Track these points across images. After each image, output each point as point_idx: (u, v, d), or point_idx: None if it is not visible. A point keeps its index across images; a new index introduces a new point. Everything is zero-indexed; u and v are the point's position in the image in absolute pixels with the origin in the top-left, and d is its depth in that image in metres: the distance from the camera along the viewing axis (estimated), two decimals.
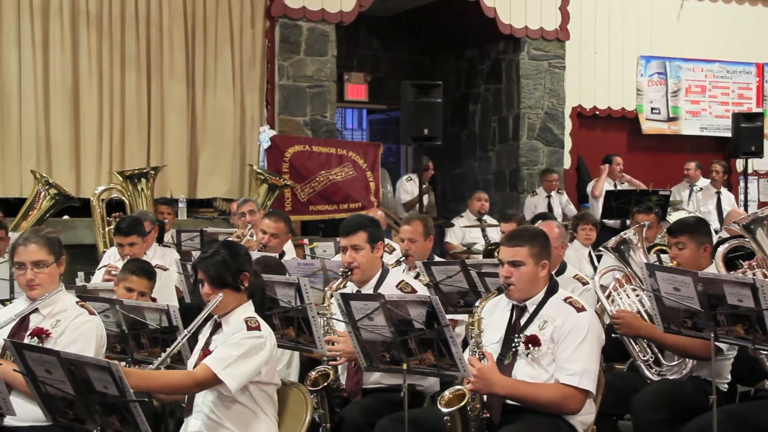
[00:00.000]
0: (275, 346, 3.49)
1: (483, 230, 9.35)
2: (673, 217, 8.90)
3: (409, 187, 10.31)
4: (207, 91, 9.58)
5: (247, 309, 3.47)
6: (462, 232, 9.43)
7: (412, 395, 3.77)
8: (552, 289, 3.69)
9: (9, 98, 8.76)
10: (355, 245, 4.18)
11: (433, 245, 5.43)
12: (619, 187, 10.38)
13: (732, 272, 4.04)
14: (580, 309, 3.60)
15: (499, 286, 3.70)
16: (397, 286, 4.16)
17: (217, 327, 3.47)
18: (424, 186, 9.84)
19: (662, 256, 5.54)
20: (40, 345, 3.52)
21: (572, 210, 10.35)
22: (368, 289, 4.18)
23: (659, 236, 6.50)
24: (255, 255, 5.17)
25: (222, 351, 3.32)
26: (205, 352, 3.38)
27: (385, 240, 4.68)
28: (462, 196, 11.07)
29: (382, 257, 4.32)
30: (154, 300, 4.68)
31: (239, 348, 3.32)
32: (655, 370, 4.23)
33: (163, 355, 3.38)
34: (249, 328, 3.37)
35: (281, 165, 9.33)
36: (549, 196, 10.56)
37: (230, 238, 6.48)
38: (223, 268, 3.40)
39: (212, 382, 3.29)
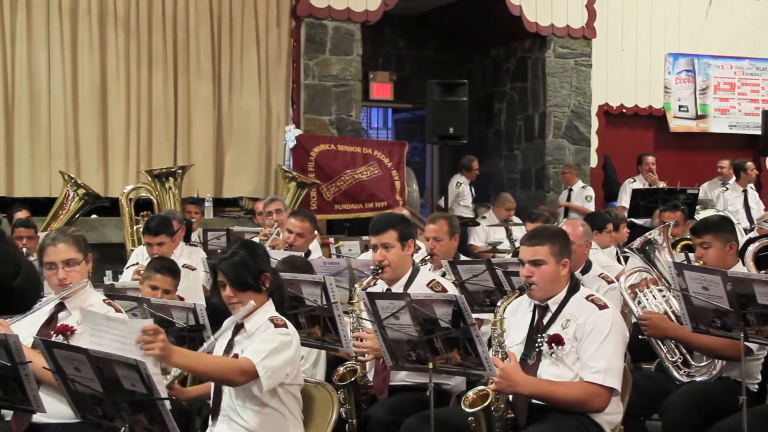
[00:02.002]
0: (300, 345, 3.50)
1: (507, 229, 9.32)
2: (701, 215, 8.81)
3: (465, 192, 10.26)
4: (233, 91, 9.63)
5: (269, 308, 3.48)
6: (486, 231, 9.40)
7: (438, 394, 3.76)
8: (574, 287, 3.67)
9: (38, 99, 8.86)
10: (385, 243, 4.17)
11: (458, 244, 5.42)
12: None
13: (762, 271, 4.00)
14: (602, 306, 3.58)
15: (521, 285, 3.68)
16: (427, 285, 4.15)
17: (238, 328, 3.46)
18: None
19: (690, 255, 5.48)
20: (65, 342, 3.56)
21: (590, 207, 10.20)
22: (398, 288, 4.17)
23: (686, 235, 6.43)
24: (282, 254, 5.20)
25: (256, 345, 3.32)
26: (234, 356, 3.38)
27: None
28: (487, 195, 11.04)
29: (412, 255, 4.31)
30: (181, 299, 4.71)
31: (271, 343, 3.32)
32: (684, 372, 4.19)
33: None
34: (276, 326, 3.38)
35: (307, 164, 9.35)
36: (570, 189, 10.50)
37: (256, 238, 6.51)
38: (244, 269, 3.40)
39: (253, 374, 3.27)
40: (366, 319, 3.82)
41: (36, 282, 2.83)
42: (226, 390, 3.39)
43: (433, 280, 4.24)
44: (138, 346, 2.99)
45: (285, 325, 3.40)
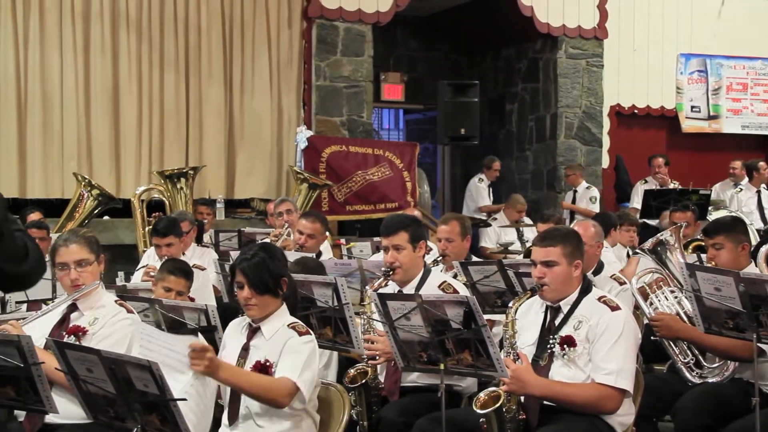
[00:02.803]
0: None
1: (519, 230, 9.30)
2: (713, 216, 8.77)
3: (483, 190, 10.26)
4: (244, 92, 9.65)
5: (284, 313, 3.47)
6: (497, 232, 9.39)
7: (449, 395, 3.76)
8: (586, 288, 3.66)
9: (51, 101, 8.90)
10: (396, 245, 4.17)
11: (470, 245, 5.41)
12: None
13: None
14: (615, 308, 3.57)
15: (532, 287, 3.68)
16: (439, 287, 4.15)
17: (254, 332, 3.45)
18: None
19: (702, 255, 5.46)
20: (78, 343, 3.57)
21: (594, 208, 10.16)
22: (410, 290, 4.16)
23: (697, 235, 6.41)
24: (293, 255, 5.21)
25: (289, 361, 3.31)
26: (257, 363, 3.35)
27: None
28: (498, 195, 11.02)
29: (424, 257, 4.30)
30: (191, 300, 4.72)
31: (302, 354, 3.32)
32: (697, 373, 4.17)
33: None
34: (300, 334, 3.36)
35: (318, 165, 9.36)
36: (575, 191, 10.48)
37: (267, 239, 6.52)
38: (264, 272, 3.38)
39: (295, 392, 3.28)
40: (377, 320, 3.82)
41: (42, 265, 2.84)
42: (245, 398, 3.36)
43: (445, 281, 4.24)
44: (186, 360, 3.03)
45: (308, 332, 3.40)
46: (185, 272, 4.77)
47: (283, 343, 3.35)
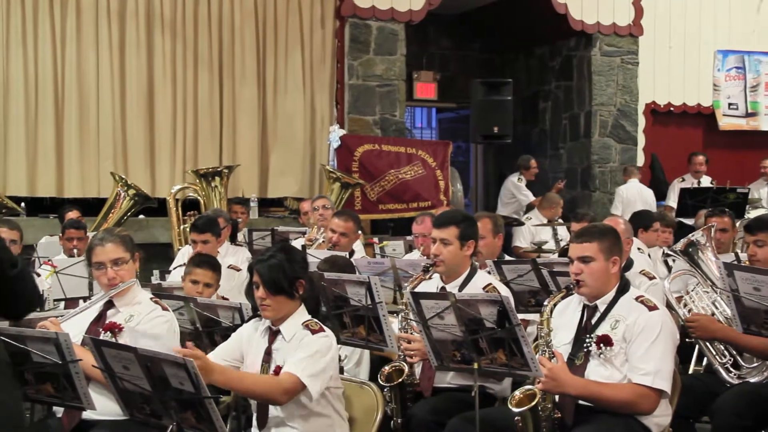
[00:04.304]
0: (337, 347, 3.50)
1: (553, 229, 9.24)
2: (751, 215, 8.64)
3: (524, 189, 10.22)
4: (278, 92, 9.70)
5: (302, 314, 3.46)
6: (531, 231, 9.33)
7: (482, 397, 3.74)
8: (623, 288, 3.62)
9: (87, 101, 9.01)
10: (444, 239, 4.15)
11: (503, 244, 5.38)
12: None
13: None
14: (653, 307, 3.53)
15: (567, 285, 3.65)
16: (484, 288, 4.12)
17: (274, 335, 3.46)
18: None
19: (741, 254, 5.38)
20: (114, 340, 3.61)
21: None
22: (453, 287, 4.14)
23: (737, 237, 6.30)
24: (324, 254, 5.22)
25: (297, 356, 3.32)
26: (277, 368, 3.36)
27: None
28: (532, 194, 10.94)
29: (472, 256, 4.28)
30: (225, 299, 4.75)
31: (310, 349, 3.32)
32: (735, 374, 4.11)
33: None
34: (313, 332, 3.37)
35: (351, 164, 9.38)
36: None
37: (301, 239, 6.55)
38: (279, 273, 3.39)
39: (298, 388, 3.28)
40: (412, 320, 3.81)
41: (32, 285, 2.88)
42: None
43: (490, 284, 4.18)
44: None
45: (321, 329, 3.39)
46: (211, 264, 4.81)
47: (299, 343, 3.36)
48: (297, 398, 3.33)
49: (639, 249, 5.97)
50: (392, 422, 3.95)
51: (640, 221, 6.72)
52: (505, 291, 4.23)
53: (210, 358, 3.32)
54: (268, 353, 3.43)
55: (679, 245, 4.59)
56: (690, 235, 4.63)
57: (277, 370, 3.35)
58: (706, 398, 4.06)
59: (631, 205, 9.85)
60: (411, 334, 4.03)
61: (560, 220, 9.36)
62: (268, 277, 3.38)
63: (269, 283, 3.38)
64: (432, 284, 4.23)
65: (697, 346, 4.44)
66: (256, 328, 3.54)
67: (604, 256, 3.57)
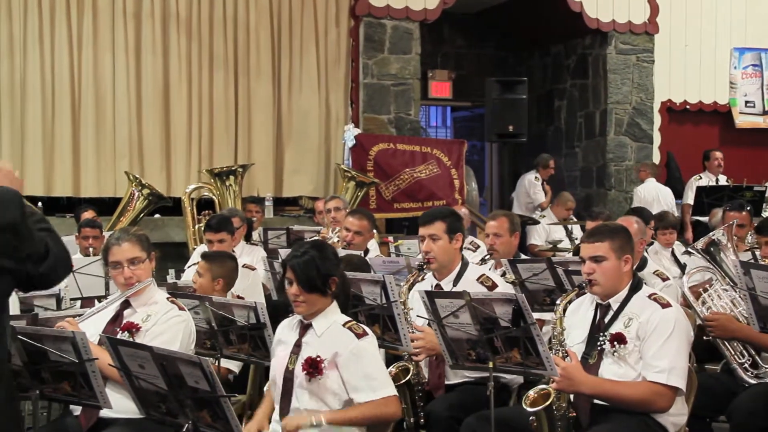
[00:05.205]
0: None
1: (568, 228, 9.21)
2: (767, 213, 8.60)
3: (539, 188, 10.18)
4: (292, 91, 9.71)
5: (335, 311, 3.47)
6: (546, 230, 9.30)
7: (497, 390, 3.73)
8: (636, 286, 3.61)
9: (104, 101, 9.05)
10: (432, 234, 4.17)
11: (519, 243, 5.37)
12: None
13: None
14: (665, 305, 3.52)
15: (580, 283, 3.64)
16: (477, 280, 4.13)
17: (306, 328, 3.47)
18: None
19: (758, 253, 5.35)
20: (131, 339, 3.63)
21: None
22: (448, 282, 4.16)
23: (751, 234, 6.28)
24: (339, 253, 5.22)
25: (374, 370, 3.35)
26: (307, 359, 3.36)
27: (466, 234, 4.64)
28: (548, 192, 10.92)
29: (461, 249, 4.28)
30: (240, 298, 4.77)
31: (377, 359, 3.37)
32: (753, 373, 4.09)
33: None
34: (358, 336, 3.37)
35: (366, 163, 9.38)
36: None
37: (316, 237, 6.55)
38: (313, 270, 3.40)
39: (398, 400, 3.37)
40: (422, 317, 3.81)
41: (64, 267, 2.86)
42: (296, 393, 3.39)
43: (484, 274, 4.23)
44: None
45: (365, 333, 3.41)
46: (212, 257, 4.87)
47: (345, 346, 3.35)
48: (322, 395, 3.35)
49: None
50: (405, 422, 3.96)
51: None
52: (499, 281, 4.24)
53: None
54: (297, 345, 3.44)
55: (700, 244, 4.57)
56: (711, 234, 4.61)
57: (308, 361, 3.35)
58: (724, 398, 4.04)
59: (649, 206, 9.80)
60: (414, 333, 4.03)
61: (574, 219, 9.33)
62: (302, 273, 3.40)
63: (303, 279, 3.40)
64: (426, 284, 4.23)
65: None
66: (291, 321, 3.56)
67: (616, 255, 3.57)
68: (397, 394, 3.36)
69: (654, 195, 10.11)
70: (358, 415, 3.33)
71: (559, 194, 9.80)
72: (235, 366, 4.64)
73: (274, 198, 9.52)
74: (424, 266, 4.19)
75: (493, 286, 4.15)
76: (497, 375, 3.95)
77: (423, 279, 4.24)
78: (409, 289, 4.14)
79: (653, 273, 4.93)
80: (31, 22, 8.79)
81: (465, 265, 4.26)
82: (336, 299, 3.50)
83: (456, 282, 4.16)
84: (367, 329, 3.44)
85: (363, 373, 3.32)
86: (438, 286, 4.20)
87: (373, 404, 3.33)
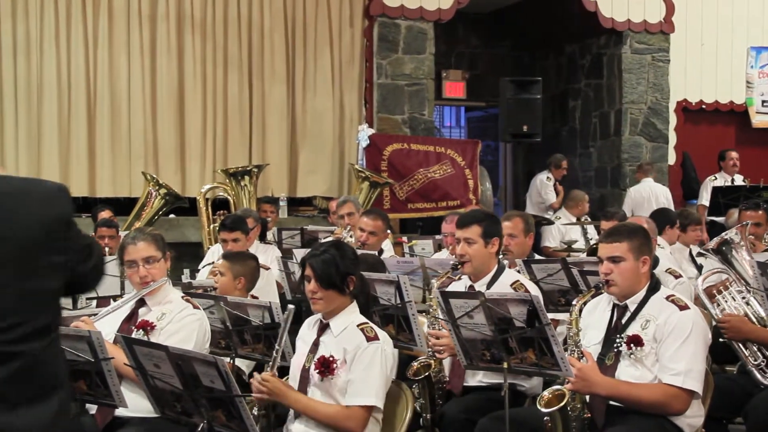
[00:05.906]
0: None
1: (583, 228, 9.18)
2: None
3: (550, 188, 10.14)
4: (307, 91, 9.73)
5: (354, 311, 3.48)
6: (561, 230, 9.27)
7: (513, 395, 3.73)
8: (654, 287, 3.59)
9: (119, 102, 9.10)
10: (467, 238, 4.16)
11: (533, 243, 5.36)
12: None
13: None
14: (683, 307, 3.49)
15: (596, 284, 3.62)
16: (511, 285, 4.12)
17: (324, 327, 3.48)
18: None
19: None
20: (146, 338, 3.65)
21: None
22: (481, 285, 4.15)
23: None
24: None
25: (361, 376, 3.31)
26: (320, 359, 3.37)
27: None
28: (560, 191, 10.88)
29: (497, 254, 4.27)
30: (255, 298, 4.78)
31: (372, 368, 3.32)
32: None
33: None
34: (368, 339, 3.36)
35: (380, 163, 9.38)
36: None
37: (330, 237, 6.55)
38: (332, 268, 3.42)
39: (368, 414, 3.33)
40: (441, 318, 3.80)
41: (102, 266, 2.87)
42: (310, 391, 3.39)
43: (518, 281, 4.19)
44: None
45: (376, 337, 3.38)
46: (232, 256, 4.89)
47: (354, 346, 3.35)
48: (333, 394, 3.35)
49: (659, 245, 5.91)
50: (421, 419, 3.96)
51: (665, 220, 6.64)
52: (534, 289, 4.22)
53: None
54: (315, 344, 3.46)
55: (712, 244, 4.54)
56: (724, 233, 4.57)
57: (321, 360, 3.36)
58: (740, 399, 4.02)
59: (640, 205, 9.77)
60: (440, 331, 4.03)
61: (589, 219, 9.29)
62: (321, 271, 3.42)
63: (321, 277, 3.42)
64: (461, 284, 4.23)
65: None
66: (312, 320, 3.58)
67: (634, 255, 3.55)
68: (375, 406, 3.30)
69: (647, 195, 10.06)
70: (323, 415, 3.33)
71: (571, 193, 9.72)
72: (245, 366, 4.64)
73: (289, 198, 9.54)
74: (459, 266, 4.19)
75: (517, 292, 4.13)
76: (515, 383, 3.95)
77: (459, 279, 4.23)
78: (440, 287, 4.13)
79: (665, 271, 4.91)
80: (47, 22, 8.84)
81: (501, 269, 4.24)
82: (356, 299, 3.51)
83: (490, 285, 4.14)
84: (380, 333, 3.43)
85: (353, 377, 3.32)
86: (471, 287, 4.19)
87: (339, 410, 3.33)
